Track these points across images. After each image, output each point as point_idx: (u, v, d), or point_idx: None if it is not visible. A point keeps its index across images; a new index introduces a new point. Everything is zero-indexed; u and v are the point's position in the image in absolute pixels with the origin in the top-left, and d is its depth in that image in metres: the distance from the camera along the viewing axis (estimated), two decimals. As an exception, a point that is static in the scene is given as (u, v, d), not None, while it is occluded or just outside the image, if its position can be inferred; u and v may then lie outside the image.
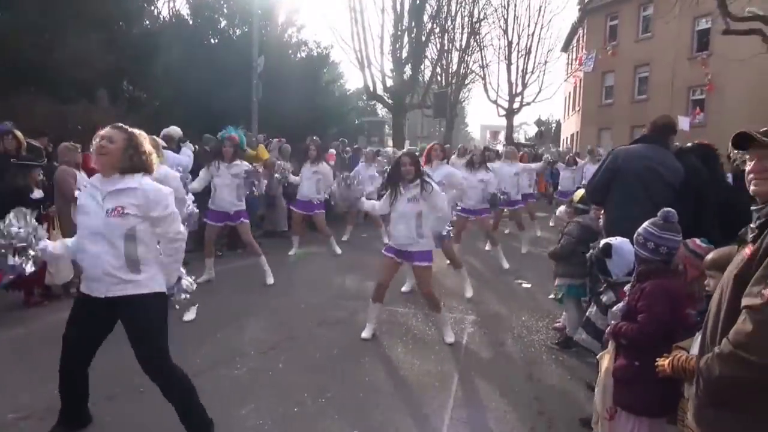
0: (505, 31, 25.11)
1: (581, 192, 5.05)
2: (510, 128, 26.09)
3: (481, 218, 7.69)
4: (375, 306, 5.05)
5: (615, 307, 2.81)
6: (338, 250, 8.75)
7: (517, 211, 9.34)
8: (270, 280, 6.81)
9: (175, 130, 7.72)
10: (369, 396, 3.89)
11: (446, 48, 22.31)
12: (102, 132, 2.95)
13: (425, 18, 19.28)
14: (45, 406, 3.60)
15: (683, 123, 17.90)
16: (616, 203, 4.03)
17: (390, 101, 18.97)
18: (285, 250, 8.62)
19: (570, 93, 36.47)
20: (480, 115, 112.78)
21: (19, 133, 6.42)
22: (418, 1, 18.59)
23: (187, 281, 3.28)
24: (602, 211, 5.31)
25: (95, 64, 11.52)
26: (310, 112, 18.11)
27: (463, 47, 23.61)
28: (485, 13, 23.43)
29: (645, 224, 2.80)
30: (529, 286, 7.26)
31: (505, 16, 24.86)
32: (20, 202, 5.53)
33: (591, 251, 3.47)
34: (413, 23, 18.62)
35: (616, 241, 3.32)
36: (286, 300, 6.25)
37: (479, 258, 8.82)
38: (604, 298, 3.41)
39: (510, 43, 25.20)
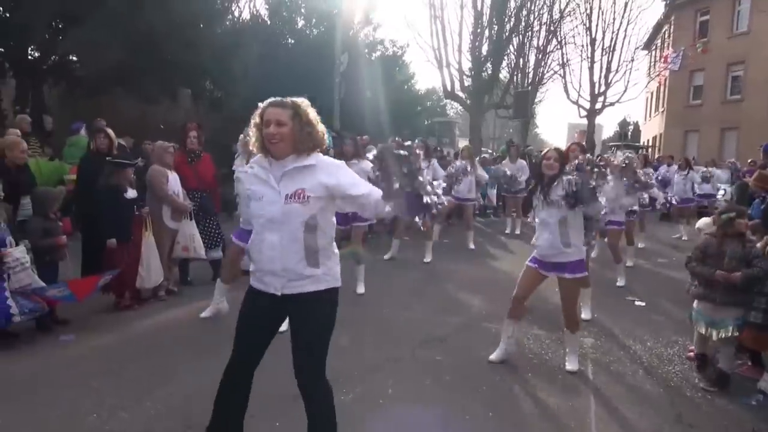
0: (588, 28, 23.86)
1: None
2: (591, 129, 24.85)
3: (608, 229, 7.00)
4: (509, 322, 4.51)
5: None
6: (429, 258, 8.30)
7: (630, 224, 8.50)
8: (361, 290, 6.41)
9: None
10: (498, 436, 3.38)
11: (525, 45, 21.42)
12: (267, 116, 2.50)
13: (507, 14, 18.54)
14: (143, 429, 3.30)
15: (783, 124, 16.47)
16: None
17: (468, 101, 18.36)
18: (373, 255, 8.24)
19: (652, 93, 34.64)
20: (553, 115, 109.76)
21: (111, 132, 6.34)
22: (500, -3, 17.94)
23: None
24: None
25: (179, 64, 11.58)
26: (383, 112, 17.84)
27: (543, 45, 22.62)
28: (569, 9, 22.31)
29: None
30: (643, 304, 6.55)
31: (589, 12, 23.60)
32: (114, 201, 5.44)
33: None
34: (494, 19, 17.93)
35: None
36: (380, 312, 5.83)
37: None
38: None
39: (593, 40, 23.93)
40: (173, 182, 6.01)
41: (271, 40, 16.80)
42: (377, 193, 2.62)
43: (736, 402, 3.97)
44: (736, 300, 4.09)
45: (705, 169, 13.39)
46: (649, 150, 24.11)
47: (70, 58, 11.82)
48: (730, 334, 4.10)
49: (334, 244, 2.71)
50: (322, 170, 2.54)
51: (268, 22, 17.97)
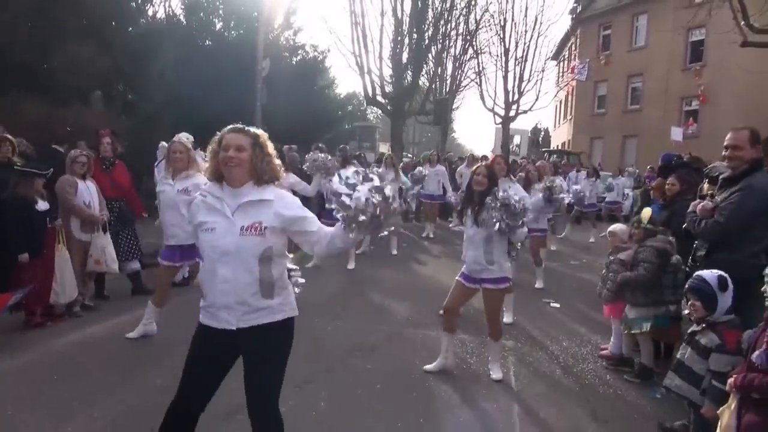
0: (502, 39, 24.95)
1: (649, 211, 4.72)
2: (506, 136, 25.93)
3: (532, 236, 7.28)
4: (445, 336, 4.63)
5: (755, 356, 2.46)
6: (352, 265, 8.34)
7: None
8: (290, 298, 6.37)
9: (185, 137, 7.23)
10: (430, 442, 3.50)
11: (443, 54, 22.04)
12: (226, 140, 2.46)
13: (426, 23, 18.98)
14: (65, 457, 3.16)
15: (676, 134, 17.86)
16: (751, 240, 3.63)
17: (389, 108, 18.61)
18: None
19: (561, 101, 36.53)
20: (470, 121, 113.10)
21: (12, 138, 5.99)
22: (420, 5, 18.27)
23: None
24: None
25: (89, 65, 10.99)
26: (305, 117, 17.75)
27: (459, 53, 23.39)
28: (483, 20, 23.23)
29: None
30: (558, 306, 6.93)
31: (502, 24, 24.69)
32: (24, 213, 5.12)
33: (693, 282, 3.12)
34: (414, 28, 18.30)
35: (724, 274, 3.00)
36: (310, 322, 5.79)
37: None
38: (703, 340, 3.06)
39: (507, 51, 25.04)
40: (84, 192, 5.72)
41: (188, 41, 16.28)
42: (327, 228, 2.53)
43: (644, 397, 4.32)
44: (645, 300, 4.46)
45: (610, 180, 14.29)
46: (580, 156, 25.20)
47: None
48: (642, 330, 4.47)
49: (286, 274, 2.64)
50: (279, 203, 2.49)
51: (185, 23, 17.41)
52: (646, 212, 4.71)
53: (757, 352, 2.49)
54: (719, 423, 2.64)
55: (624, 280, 4.50)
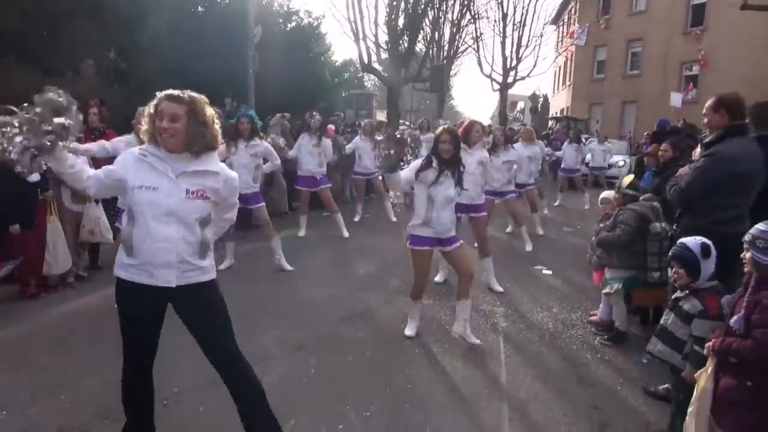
0: (500, 3, 24.49)
1: (630, 177, 4.75)
2: (504, 103, 25.67)
3: (507, 200, 7.35)
4: (416, 304, 4.74)
5: (733, 321, 2.49)
6: (346, 233, 8.35)
7: (530, 192, 9.03)
8: (287, 267, 6.43)
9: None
10: (417, 409, 3.54)
11: (440, 19, 21.65)
12: (161, 108, 2.47)
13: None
14: (57, 425, 3.21)
15: (675, 99, 17.68)
16: (716, 207, 3.64)
17: (385, 74, 18.37)
18: (287, 232, 8.20)
19: (560, 67, 36.09)
20: (468, 88, 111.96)
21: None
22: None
23: None
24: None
25: (80, 32, 10.81)
26: (300, 84, 17.50)
27: (457, 19, 23.00)
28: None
29: (762, 227, 2.48)
30: (550, 272, 6.97)
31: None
32: (14, 184, 5.07)
33: (676, 249, 3.13)
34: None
35: (707, 240, 3.01)
36: (301, 290, 5.87)
37: (495, 242, 8.47)
38: (686, 306, 3.08)
39: (505, 15, 24.62)
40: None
41: (182, 7, 15.96)
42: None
43: (630, 362, 4.38)
44: (620, 262, 4.57)
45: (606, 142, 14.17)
46: (589, 122, 24.97)
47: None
48: (612, 290, 4.62)
49: None
50: (222, 179, 2.63)
51: (176, -12, 17.02)
52: (627, 178, 4.76)
53: (735, 317, 2.51)
54: (696, 386, 2.67)
55: (601, 239, 4.59)
